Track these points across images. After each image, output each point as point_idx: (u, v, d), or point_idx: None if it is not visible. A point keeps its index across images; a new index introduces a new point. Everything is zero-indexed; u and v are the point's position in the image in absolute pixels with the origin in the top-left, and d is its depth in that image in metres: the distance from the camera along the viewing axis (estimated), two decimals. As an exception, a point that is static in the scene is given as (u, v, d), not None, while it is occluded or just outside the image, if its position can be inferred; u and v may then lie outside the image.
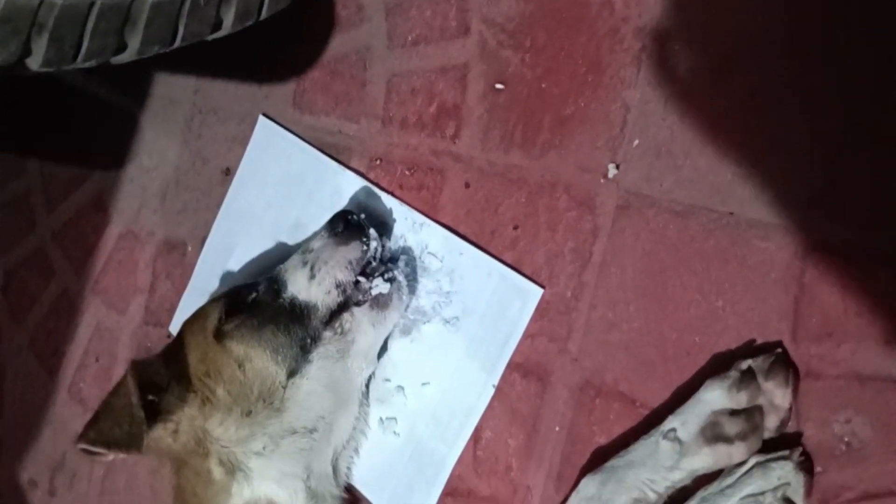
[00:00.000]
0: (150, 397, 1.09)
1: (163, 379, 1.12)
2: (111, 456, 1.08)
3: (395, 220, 1.28)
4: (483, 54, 1.23)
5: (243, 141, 1.51)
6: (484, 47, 1.23)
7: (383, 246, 1.21)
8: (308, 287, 1.16)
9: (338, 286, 1.16)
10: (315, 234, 1.22)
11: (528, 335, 1.14)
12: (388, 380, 1.25)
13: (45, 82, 1.54)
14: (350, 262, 1.16)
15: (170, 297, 1.60)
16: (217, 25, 1.12)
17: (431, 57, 1.29)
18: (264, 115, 1.49)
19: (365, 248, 1.17)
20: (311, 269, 1.16)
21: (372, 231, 1.18)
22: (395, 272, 1.19)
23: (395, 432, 1.23)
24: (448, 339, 1.20)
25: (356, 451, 1.25)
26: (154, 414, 1.09)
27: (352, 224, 1.18)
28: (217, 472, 1.12)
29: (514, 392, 1.14)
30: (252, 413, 1.12)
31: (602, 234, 1.09)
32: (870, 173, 0.92)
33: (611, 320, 1.08)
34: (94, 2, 0.90)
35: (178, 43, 1.06)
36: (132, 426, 1.06)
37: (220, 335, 1.14)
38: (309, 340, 1.13)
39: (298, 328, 1.13)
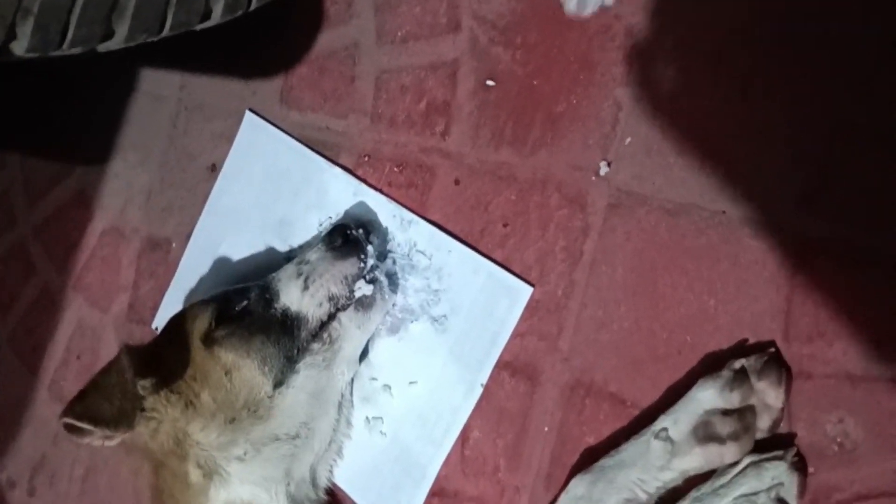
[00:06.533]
0: (143, 382, 1.07)
1: (151, 370, 1.10)
2: (88, 439, 1.05)
3: (385, 228, 1.27)
4: (473, 51, 1.22)
5: (230, 137, 1.49)
6: (474, 44, 1.22)
7: (372, 244, 1.19)
8: (300, 298, 1.14)
9: (330, 299, 1.14)
10: (311, 245, 1.21)
11: (518, 334, 1.13)
12: (374, 378, 1.24)
13: (28, 74, 1.52)
14: (345, 278, 1.15)
15: (153, 294, 1.58)
16: (206, 15, 1.10)
17: (421, 53, 1.28)
18: (251, 110, 1.47)
19: (362, 264, 1.16)
20: (306, 280, 1.15)
21: (370, 248, 1.17)
22: (377, 272, 1.18)
23: (381, 432, 1.22)
24: (436, 338, 1.19)
25: (338, 453, 1.24)
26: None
27: (350, 240, 1.17)
28: (194, 475, 1.10)
29: (502, 391, 1.13)
30: (236, 420, 1.10)
31: (593, 233, 1.09)
32: (862, 171, 0.91)
33: (601, 319, 1.07)
34: (82, -14, 0.89)
35: (166, 31, 1.04)
36: (124, 402, 1.04)
37: (209, 341, 1.12)
38: (296, 351, 1.12)
39: (287, 339, 1.12)
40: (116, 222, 1.69)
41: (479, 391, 1.14)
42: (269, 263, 1.36)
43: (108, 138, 1.73)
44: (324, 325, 1.15)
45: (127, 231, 1.66)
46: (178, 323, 1.18)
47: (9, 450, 1.79)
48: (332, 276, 1.14)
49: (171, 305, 1.53)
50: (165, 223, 1.60)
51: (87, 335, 1.69)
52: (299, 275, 1.16)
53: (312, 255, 1.17)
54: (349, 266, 1.15)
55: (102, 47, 0.99)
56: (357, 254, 1.16)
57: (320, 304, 1.14)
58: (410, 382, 1.20)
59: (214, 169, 1.52)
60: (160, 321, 1.54)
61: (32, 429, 1.77)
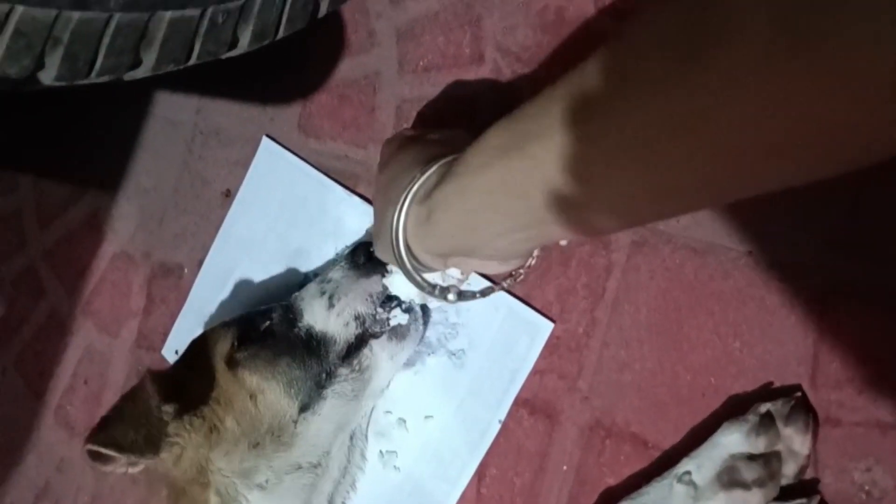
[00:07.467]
0: (166, 408, 1.05)
1: (175, 395, 1.08)
2: (111, 466, 1.04)
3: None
4: (496, 83, 1.21)
5: (245, 164, 1.48)
6: (498, 76, 1.21)
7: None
8: (326, 317, 1.12)
9: (357, 318, 1.12)
10: (333, 264, 1.19)
11: (537, 371, 1.11)
12: (389, 412, 1.22)
13: (44, 96, 1.51)
14: (370, 296, 1.12)
15: (164, 321, 1.56)
16: (233, 44, 1.10)
17: (443, 84, 1.27)
18: (268, 136, 1.46)
19: (385, 282, 1.14)
20: (330, 299, 1.13)
21: (392, 266, 1.15)
22: (411, 301, 1.16)
23: (395, 466, 1.20)
24: (453, 373, 1.17)
25: (353, 486, 1.21)
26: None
27: (374, 257, 1.15)
28: (214, 503, 1.08)
29: (520, 429, 1.12)
30: (259, 446, 1.08)
31: (616, 271, 1.07)
32: (893, 213, 0.90)
33: (623, 359, 1.05)
34: (111, 17, 0.88)
35: (193, 60, 1.03)
36: (150, 429, 1.02)
37: (232, 363, 1.10)
38: (324, 375, 1.10)
39: (314, 361, 1.10)
40: (128, 247, 1.68)
41: (496, 428, 1.12)
42: (284, 291, 1.34)
43: (122, 162, 1.72)
44: (353, 349, 1.12)
45: (138, 256, 1.65)
46: (200, 347, 1.16)
47: (12, 475, 1.76)
48: (357, 294, 1.12)
49: (181, 332, 1.51)
50: (178, 249, 1.59)
51: (95, 360, 1.68)
52: (322, 293, 1.14)
53: (335, 274, 1.15)
54: (373, 284, 1.13)
55: (129, 76, 0.98)
56: (381, 272, 1.14)
57: (347, 324, 1.12)
58: (426, 417, 1.18)
59: (229, 195, 1.51)
60: (170, 348, 1.53)
61: (37, 454, 1.74)
